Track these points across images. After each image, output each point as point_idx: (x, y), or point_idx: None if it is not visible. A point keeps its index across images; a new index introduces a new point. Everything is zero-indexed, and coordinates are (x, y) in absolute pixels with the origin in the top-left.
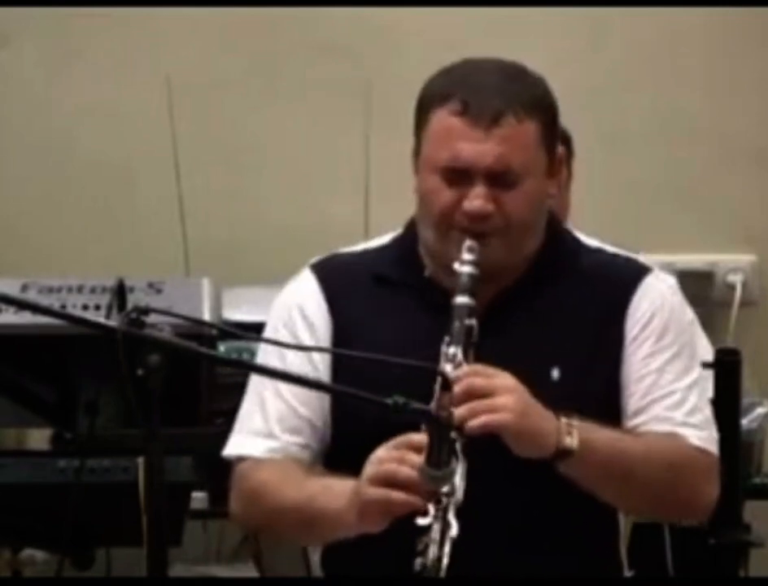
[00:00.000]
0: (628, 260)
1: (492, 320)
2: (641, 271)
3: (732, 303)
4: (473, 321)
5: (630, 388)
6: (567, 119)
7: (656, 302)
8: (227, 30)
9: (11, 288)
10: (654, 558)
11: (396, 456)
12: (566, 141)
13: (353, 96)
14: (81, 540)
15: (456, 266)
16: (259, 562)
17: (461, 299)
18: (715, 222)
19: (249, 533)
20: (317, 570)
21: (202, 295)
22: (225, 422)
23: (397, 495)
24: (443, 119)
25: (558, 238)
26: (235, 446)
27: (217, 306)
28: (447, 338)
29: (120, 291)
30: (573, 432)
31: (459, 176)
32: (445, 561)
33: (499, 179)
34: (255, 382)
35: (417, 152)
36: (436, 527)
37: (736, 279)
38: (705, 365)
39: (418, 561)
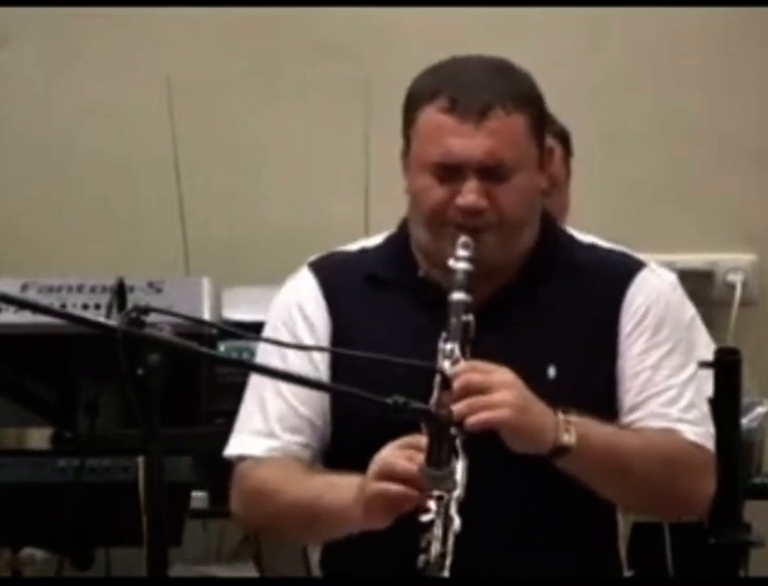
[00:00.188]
0: (623, 256)
1: (489, 317)
2: (636, 266)
3: (732, 303)
4: (469, 317)
5: (625, 384)
6: (567, 119)
7: (651, 297)
8: (227, 30)
9: (11, 288)
10: (654, 558)
11: (401, 455)
12: (565, 139)
13: (353, 96)
14: (81, 540)
15: (451, 263)
16: (259, 562)
17: (457, 296)
18: (715, 222)
19: (250, 533)
20: (317, 570)
21: (202, 294)
22: (225, 422)
23: (395, 487)
24: (432, 116)
25: (553, 235)
26: (236, 446)
27: (217, 306)
28: (444, 335)
29: (120, 291)
30: (571, 429)
31: (450, 172)
32: (448, 557)
33: (491, 173)
34: (255, 382)
35: (406, 151)
36: (438, 524)
37: (736, 279)
38: (705, 365)
39: (421, 557)
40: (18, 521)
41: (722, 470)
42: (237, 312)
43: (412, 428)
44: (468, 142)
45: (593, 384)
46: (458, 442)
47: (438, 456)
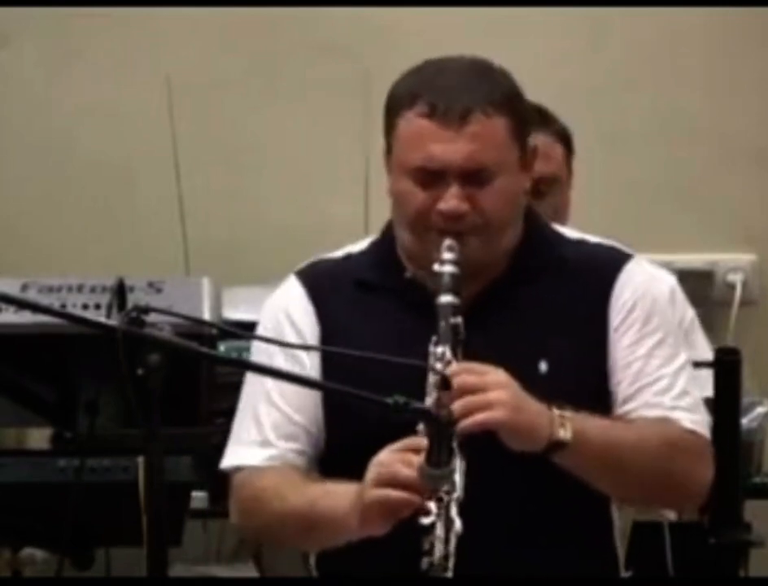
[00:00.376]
0: (610, 249)
1: (476, 317)
2: (622, 258)
3: (732, 303)
4: (458, 320)
5: (617, 376)
6: (567, 119)
7: (639, 288)
8: (227, 30)
9: (11, 288)
10: (654, 558)
11: (399, 459)
12: (566, 139)
13: (353, 96)
14: (81, 540)
15: (437, 267)
16: (259, 562)
17: (445, 299)
18: (715, 222)
19: (250, 540)
20: (315, 571)
21: (202, 294)
22: (225, 421)
23: (397, 494)
24: (412, 121)
25: (537, 232)
26: (232, 458)
27: (217, 306)
28: (434, 338)
29: (120, 291)
30: (566, 424)
31: (432, 177)
32: (452, 558)
33: (472, 177)
34: (248, 393)
35: (389, 155)
36: (440, 525)
37: (736, 279)
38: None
39: (425, 560)
40: (18, 521)
41: (722, 470)
42: (237, 312)
43: (405, 432)
44: (449, 147)
45: (585, 378)
46: (455, 444)
47: (438, 456)
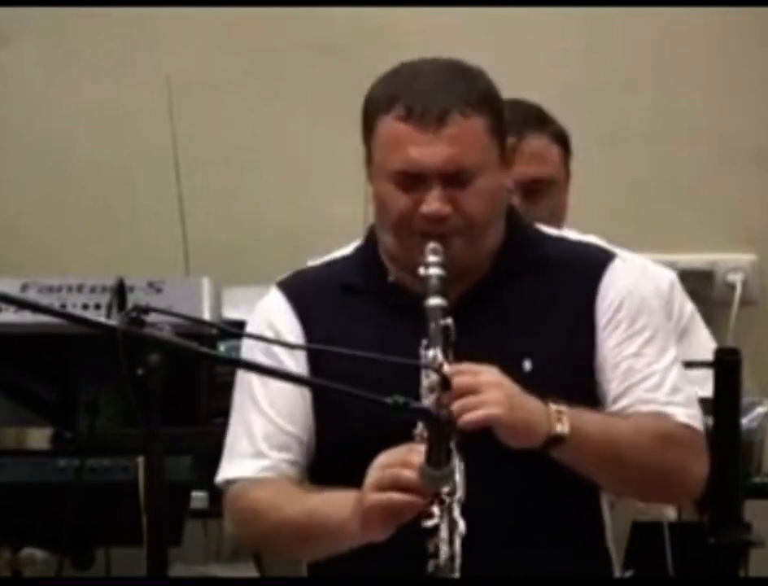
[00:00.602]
0: (592, 247)
1: (461, 318)
2: (606, 257)
3: (732, 303)
4: (448, 321)
5: (606, 374)
6: (567, 119)
7: (625, 287)
8: (227, 30)
9: (11, 288)
10: (654, 558)
11: (399, 462)
12: (564, 140)
13: (353, 96)
14: (81, 540)
15: (422, 270)
16: (259, 562)
17: (433, 301)
18: (715, 222)
19: (248, 550)
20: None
21: (202, 294)
22: (225, 421)
23: (399, 496)
24: (390, 125)
25: (520, 232)
26: (226, 471)
27: (217, 306)
28: (424, 342)
29: (120, 291)
30: (563, 418)
31: (413, 180)
32: (458, 559)
33: (453, 179)
34: (238, 407)
35: (369, 160)
36: (443, 527)
37: (736, 279)
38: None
39: (431, 562)
40: (18, 521)
41: (722, 470)
42: (237, 312)
43: (398, 434)
44: (427, 150)
45: (570, 376)
46: (452, 444)
47: (438, 456)
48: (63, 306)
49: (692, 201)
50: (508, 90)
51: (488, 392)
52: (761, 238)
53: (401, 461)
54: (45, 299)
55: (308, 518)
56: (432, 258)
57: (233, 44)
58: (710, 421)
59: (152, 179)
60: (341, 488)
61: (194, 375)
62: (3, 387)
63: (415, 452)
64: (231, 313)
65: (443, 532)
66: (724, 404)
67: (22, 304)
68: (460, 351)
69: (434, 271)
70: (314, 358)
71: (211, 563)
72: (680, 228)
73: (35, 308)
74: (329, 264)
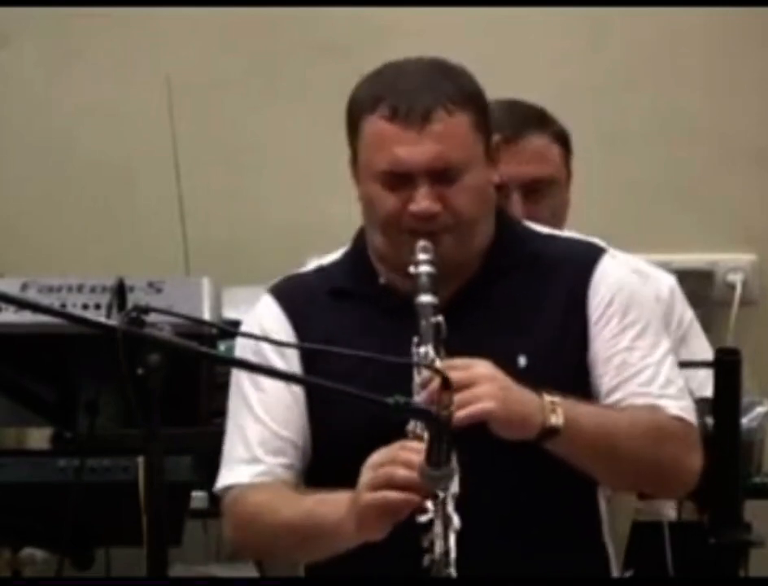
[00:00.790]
0: (582, 243)
1: (453, 317)
2: (596, 252)
3: (732, 303)
4: (439, 318)
5: (599, 369)
6: (567, 119)
7: (615, 283)
8: (227, 30)
9: (11, 288)
10: (654, 558)
11: (394, 460)
12: (564, 140)
13: None
14: (81, 540)
15: (412, 269)
16: (260, 562)
17: (424, 299)
18: (715, 222)
19: (247, 558)
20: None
21: (202, 294)
22: (225, 421)
23: (395, 494)
24: (375, 125)
25: (508, 229)
26: (223, 479)
27: (217, 305)
28: (416, 339)
29: (120, 291)
30: (558, 409)
31: (400, 180)
32: (452, 554)
33: (440, 176)
34: (233, 414)
35: (355, 161)
36: (438, 523)
37: (736, 279)
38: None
39: (426, 557)
40: (18, 521)
41: (722, 470)
42: (237, 312)
43: (393, 434)
44: (413, 148)
45: (564, 371)
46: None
47: (438, 456)
48: (63, 306)
49: (692, 201)
50: (508, 90)
51: (481, 386)
52: (761, 238)
53: (394, 459)
54: (45, 299)
55: (304, 519)
56: (422, 256)
57: (233, 44)
58: (710, 421)
59: (152, 179)
60: (338, 490)
61: (194, 375)
62: (3, 387)
63: (407, 450)
64: (231, 313)
65: (438, 527)
66: (724, 404)
67: (22, 304)
68: (453, 349)
69: (425, 269)
70: (307, 362)
71: (211, 563)
72: (680, 228)
73: (35, 308)
74: (318, 270)
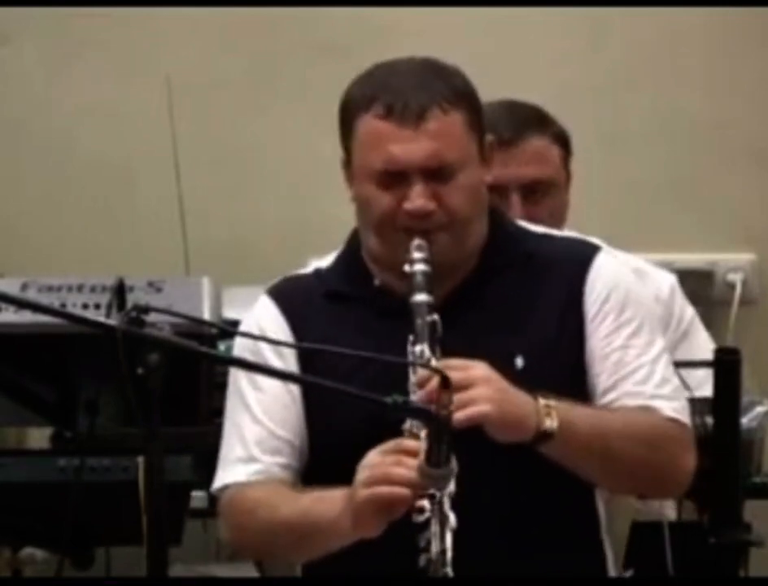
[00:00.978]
0: (577, 242)
1: (448, 317)
2: (591, 251)
3: (732, 303)
4: (434, 317)
5: (595, 367)
6: (567, 119)
7: (611, 280)
8: (227, 30)
9: (11, 288)
10: (654, 558)
11: (390, 459)
12: (564, 141)
13: None
14: (81, 540)
15: (407, 268)
16: (259, 562)
17: (419, 297)
18: (715, 222)
19: (243, 557)
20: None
21: (202, 294)
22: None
23: (388, 489)
24: (370, 124)
25: (502, 229)
26: (220, 479)
27: (217, 305)
28: (411, 338)
29: (120, 290)
30: (552, 413)
31: (394, 178)
32: (449, 553)
33: (435, 175)
34: (230, 414)
35: (348, 162)
36: (434, 522)
37: (736, 278)
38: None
39: (422, 557)
40: (18, 521)
41: (722, 470)
42: (237, 312)
43: (390, 433)
44: (408, 146)
45: (561, 371)
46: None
47: (437, 456)
48: (63, 306)
49: (692, 201)
50: (509, 90)
51: (478, 388)
52: (761, 238)
53: (392, 458)
54: (45, 299)
55: (301, 517)
56: (417, 254)
57: (233, 44)
58: (710, 420)
59: (152, 179)
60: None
61: (193, 375)
62: (3, 387)
63: (403, 448)
64: (231, 313)
65: (434, 527)
66: (724, 403)
67: (22, 304)
68: (448, 348)
69: (420, 267)
70: (305, 362)
71: (211, 563)
72: (680, 228)
73: (35, 307)
74: (316, 272)
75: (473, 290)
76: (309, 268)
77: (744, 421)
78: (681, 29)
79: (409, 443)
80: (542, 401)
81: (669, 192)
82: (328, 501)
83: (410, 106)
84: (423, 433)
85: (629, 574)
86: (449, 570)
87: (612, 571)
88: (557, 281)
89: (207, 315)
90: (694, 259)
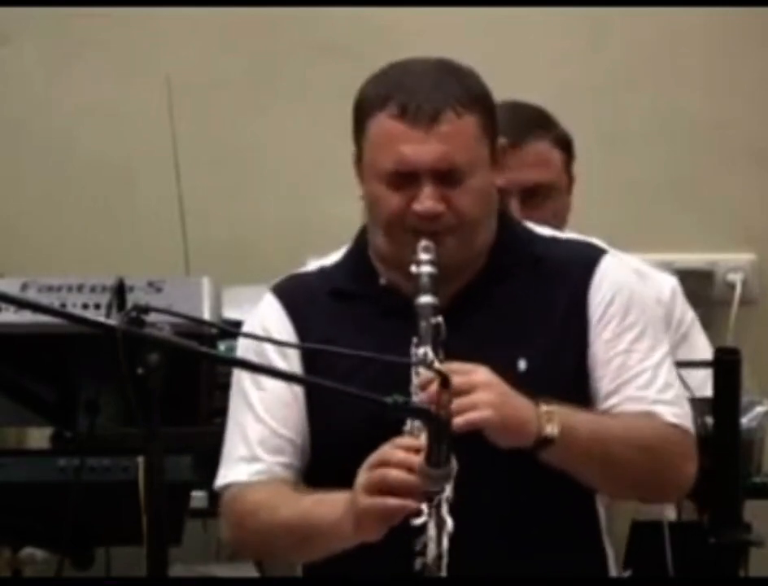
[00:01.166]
0: (583, 245)
1: (454, 318)
2: (597, 254)
3: (732, 303)
4: (439, 319)
5: (598, 371)
6: (567, 119)
7: (616, 283)
8: (227, 30)
9: (11, 288)
10: (654, 558)
11: (388, 461)
12: (566, 145)
13: (353, 96)
14: (81, 540)
15: (413, 268)
16: (260, 562)
17: (424, 299)
18: (715, 222)
19: (244, 557)
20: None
21: (202, 294)
22: (225, 421)
23: (393, 502)
24: (383, 124)
25: (510, 231)
26: (222, 477)
27: (217, 305)
28: (415, 340)
29: (120, 290)
30: (554, 418)
31: (405, 179)
32: (445, 557)
33: (445, 177)
34: (233, 413)
35: (359, 160)
36: (431, 526)
37: (736, 278)
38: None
39: (418, 560)
40: (18, 521)
41: (722, 470)
42: (237, 312)
43: (392, 433)
44: (420, 147)
45: (565, 374)
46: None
47: (438, 456)
48: (63, 306)
49: (692, 201)
50: (508, 90)
51: (479, 392)
52: (761, 238)
53: (389, 460)
54: (45, 299)
55: (302, 519)
56: (424, 256)
57: (233, 44)
58: (710, 420)
59: (152, 179)
60: (337, 489)
61: (193, 375)
62: (3, 387)
63: (401, 449)
64: (231, 313)
65: (431, 530)
66: (724, 403)
67: (22, 304)
68: (453, 352)
69: (426, 269)
70: (308, 361)
71: (211, 563)
72: (680, 228)
73: (35, 307)
74: (320, 270)
75: (479, 292)
76: (313, 267)
77: (744, 421)
78: (681, 29)
79: (407, 441)
80: (543, 407)
81: (669, 192)
82: (329, 504)
83: (423, 107)
84: (423, 434)
85: (628, 573)
86: (445, 575)
87: (613, 572)
88: (562, 284)
89: (207, 315)
90: (694, 259)
